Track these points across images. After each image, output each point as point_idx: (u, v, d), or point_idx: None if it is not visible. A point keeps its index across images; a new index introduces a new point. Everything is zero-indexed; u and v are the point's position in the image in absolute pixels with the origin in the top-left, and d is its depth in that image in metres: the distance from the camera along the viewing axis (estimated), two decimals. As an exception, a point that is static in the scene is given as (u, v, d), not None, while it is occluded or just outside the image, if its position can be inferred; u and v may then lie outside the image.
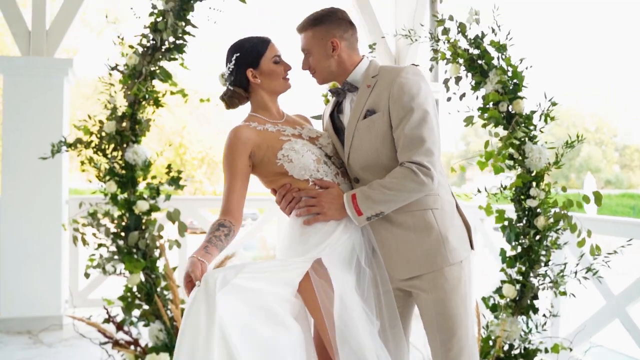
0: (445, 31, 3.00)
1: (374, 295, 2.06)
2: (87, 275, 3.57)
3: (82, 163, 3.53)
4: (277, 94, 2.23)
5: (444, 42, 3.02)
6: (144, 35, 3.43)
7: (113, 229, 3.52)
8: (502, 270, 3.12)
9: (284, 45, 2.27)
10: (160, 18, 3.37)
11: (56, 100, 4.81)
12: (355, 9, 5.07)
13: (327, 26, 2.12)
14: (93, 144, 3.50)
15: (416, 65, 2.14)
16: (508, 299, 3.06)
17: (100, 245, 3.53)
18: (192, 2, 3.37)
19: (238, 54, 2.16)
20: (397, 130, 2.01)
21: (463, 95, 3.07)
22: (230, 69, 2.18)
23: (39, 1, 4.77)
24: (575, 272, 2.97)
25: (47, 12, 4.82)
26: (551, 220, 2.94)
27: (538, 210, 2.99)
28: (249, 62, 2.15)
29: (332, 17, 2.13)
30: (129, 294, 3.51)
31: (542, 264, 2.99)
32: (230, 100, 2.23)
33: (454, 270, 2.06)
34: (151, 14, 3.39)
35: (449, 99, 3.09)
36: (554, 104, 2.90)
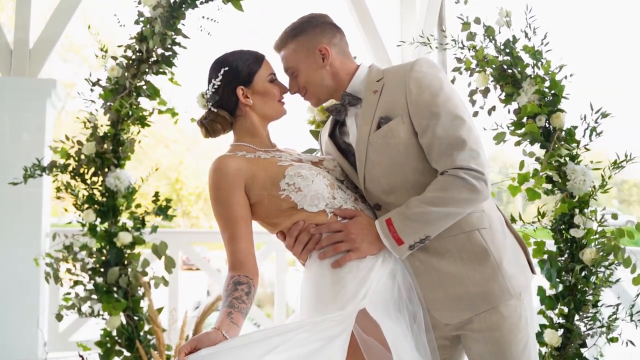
0: (471, 36, 2.63)
1: (427, 342, 1.64)
2: (59, 317, 3.18)
3: (58, 190, 3.18)
4: (269, 120, 1.85)
5: (469, 49, 2.65)
6: (128, 46, 3.08)
7: (91, 264, 3.16)
8: (541, 312, 2.69)
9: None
10: (147, 26, 3.03)
11: (38, 123, 4.49)
12: (353, 18, 4.72)
13: (310, 34, 1.76)
14: (70, 168, 3.14)
15: None
16: (550, 347, 2.62)
17: (76, 282, 3.16)
18: (183, 9, 3.03)
19: (227, 68, 1.78)
20: (426, 135, 1.62)
21: (493, 108, 2.70)
22: (216, 86, 1.78)
23: (22, 19, 4.50)
24: (631, 315, 2.53)
25: (31, 31, 4.53)
26: (601, 253, 2.51)
27: (583, 241, 2.58)
28: (240, 79, 1.77)
29: (313, 22, 1.78)
30: (107, 338, 3.19)
31: (590, 306, 2.56)
32: (212, 124, 1.82)
33: (512, 304, 1.65)
34: (137, 22, 3.05)
35: (475, 114, 2.71)
36: (604, 115, 2.51)
